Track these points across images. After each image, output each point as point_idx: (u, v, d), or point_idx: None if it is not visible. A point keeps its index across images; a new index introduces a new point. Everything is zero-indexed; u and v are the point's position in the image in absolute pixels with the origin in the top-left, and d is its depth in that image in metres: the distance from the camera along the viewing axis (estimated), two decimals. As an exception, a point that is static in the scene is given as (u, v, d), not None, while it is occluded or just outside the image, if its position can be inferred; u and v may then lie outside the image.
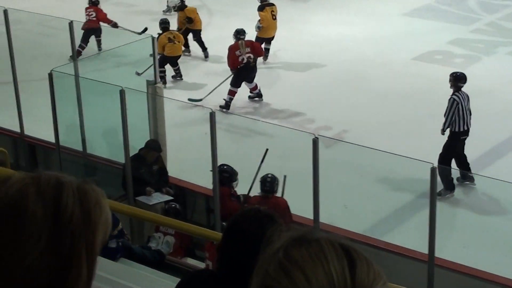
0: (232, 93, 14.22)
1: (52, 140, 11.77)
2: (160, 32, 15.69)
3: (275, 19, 16.49)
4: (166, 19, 16.49)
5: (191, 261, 9.79)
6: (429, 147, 11.76)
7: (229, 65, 14.53)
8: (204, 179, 10.55)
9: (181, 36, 16.15)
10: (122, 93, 10.36)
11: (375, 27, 18.26)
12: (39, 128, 12.76)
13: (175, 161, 11.90)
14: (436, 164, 8.29)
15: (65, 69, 11.92)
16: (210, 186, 10.22)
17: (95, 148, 12.09)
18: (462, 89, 11.51)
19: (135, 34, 15.27)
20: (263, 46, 15.95)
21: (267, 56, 16.49)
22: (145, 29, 16.32)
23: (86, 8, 16.92)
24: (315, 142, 8.81)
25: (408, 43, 17.26)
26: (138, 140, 11.13)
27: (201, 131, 11.08)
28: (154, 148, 11.13)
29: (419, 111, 13.85)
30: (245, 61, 14.23)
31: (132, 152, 10.88)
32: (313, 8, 19.67)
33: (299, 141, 10.59)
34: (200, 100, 14.35)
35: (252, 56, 14.30)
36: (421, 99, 14.36)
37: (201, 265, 9.35)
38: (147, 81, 11.75)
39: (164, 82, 14.77)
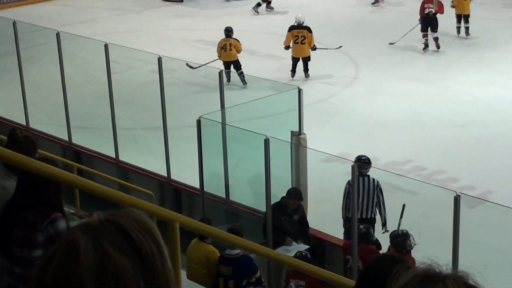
0: (424, 36, 20.16)
1: (197, 185, 12.09)
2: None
3: None
4: (229, 27, 18.42)
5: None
6: None
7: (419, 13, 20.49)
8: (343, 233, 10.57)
9: (238, 45, 18.07)
10: (266, 142, 10.57)
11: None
12: (185, 173, 13.13)
13: (315, 212, 11.96)
14: None
15: (212, 116, 12.27)
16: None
17: (238, 195, 12.32)
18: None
19: (283, 85, 15.48)
20: (456, 24, 21.59)
21: (459, 28, 21.57)
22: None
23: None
24: (457, 199, 8.74)
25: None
26: (280, 189, 11.28)
27: (343, 184, 11.13)
28: (295, 196, 11.23)
29: None
30: (426, 12, 20.14)
31: (274, 201, 11.04)
32: (460, 67, 19.46)
33: (441, 199, 10.50)
34: None
35: (433, 10, 20.10)
36: None
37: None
38: (292, 132, 11.93)
39: (228, 80, 17.39)
